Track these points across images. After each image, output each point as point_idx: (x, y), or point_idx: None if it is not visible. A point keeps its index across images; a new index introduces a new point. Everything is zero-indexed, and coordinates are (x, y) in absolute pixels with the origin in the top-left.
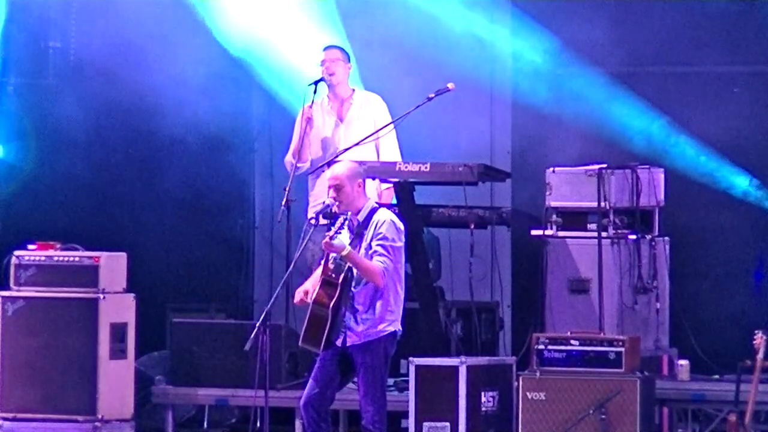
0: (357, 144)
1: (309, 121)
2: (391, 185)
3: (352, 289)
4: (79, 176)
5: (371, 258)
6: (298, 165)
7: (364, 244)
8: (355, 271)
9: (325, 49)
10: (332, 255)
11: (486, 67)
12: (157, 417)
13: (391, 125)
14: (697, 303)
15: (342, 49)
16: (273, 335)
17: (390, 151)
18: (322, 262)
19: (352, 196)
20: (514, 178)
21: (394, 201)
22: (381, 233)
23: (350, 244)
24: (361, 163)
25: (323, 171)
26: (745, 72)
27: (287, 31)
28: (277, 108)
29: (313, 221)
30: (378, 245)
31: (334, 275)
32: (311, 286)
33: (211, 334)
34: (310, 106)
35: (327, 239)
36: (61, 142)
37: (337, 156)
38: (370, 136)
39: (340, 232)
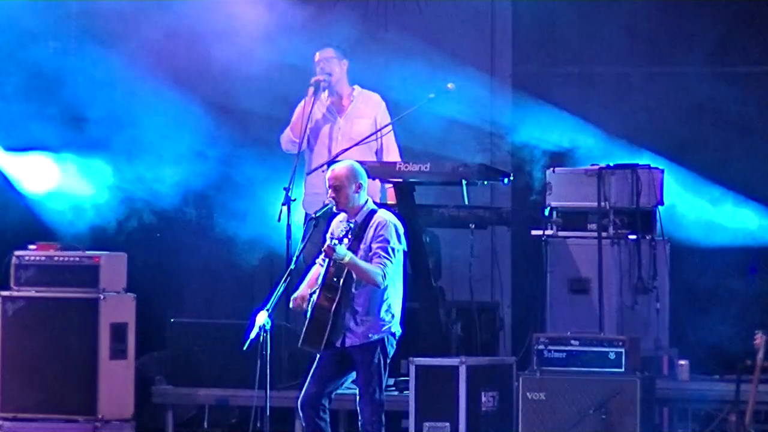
0: (357, 144)
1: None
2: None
3: (353, 290)
4: None
5: (371, 260)
6: (294, 139)
7: (363, 246)
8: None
9: (318, 49)
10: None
11: (487, 66)
12: (157, 417)
13: (389, 126)
14: (697, 303)
15: (335, 47)
16: (273, 335)
17: (392, 151)
18: (319, 262)
19: (351, 197)
20: (514, 178)
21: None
22: (382, 235)
23: (349, 246)
24: (361, 163)
25: (318, 169)
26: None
27: None
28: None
29: (313, 221)
30: (378, 247)
31: (335, 279)
32: (308, 289)
33: (211, 334)
34: (314, 97)
35: (329, 245)
36: None
37: (337, 156)
38: (371, 135)
39: (343, 240)
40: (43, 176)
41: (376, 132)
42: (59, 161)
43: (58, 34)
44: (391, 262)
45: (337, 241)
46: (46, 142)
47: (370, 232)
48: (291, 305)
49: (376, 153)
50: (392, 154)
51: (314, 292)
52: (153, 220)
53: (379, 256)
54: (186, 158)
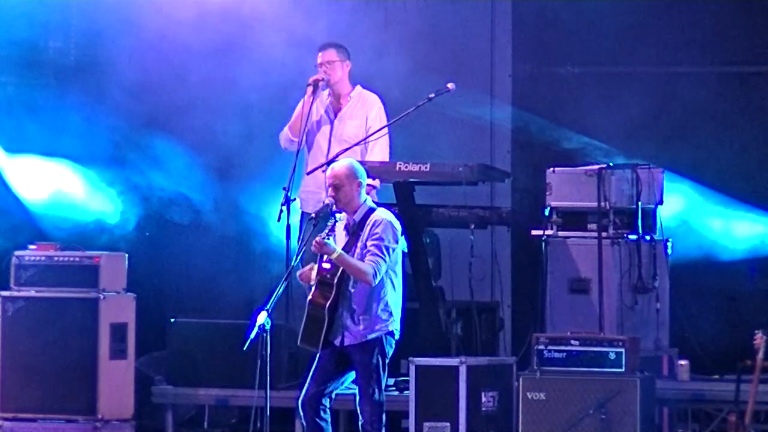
0: (353, 146)
1: (309, 102)
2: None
3: (350, 289)
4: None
5: (364, 257)
6: (293, 138)
7: (359, 244)
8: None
9: (321, 50)
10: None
11: (487, 66)
12: (157, 417)
13: (385, 128)
14: (697, 303)
15: (338, 47)
16: (273, 335)
17: (377, 151)
18: (317, 261)
19: (350, 196)
20: (514, 178)
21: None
22: (377, 233)
23: (346, 244)
24: (361, 162)
25: (318, 169)
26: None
27: None
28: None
29: (312, 221)
30: (372, 245)
31: (329, 275)
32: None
33: (211, 334)
34: (313, 95)
35: (318, 241)
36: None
37: (334, 158)
38: (364, 139)
39: (331, 235)
40: (42, 180)
41: (370, 135)
42: (61, 165)
43: (60, 35)
44: (384, 260)
45: (327, 236)
46: (48, 145)
47: (366, 231)
48: (299, 277)
49: (362, 152)
50: (376, 154)
51: (311, 289)
52: (152, 221)
53: (372, 254)
54: (187, 159)
